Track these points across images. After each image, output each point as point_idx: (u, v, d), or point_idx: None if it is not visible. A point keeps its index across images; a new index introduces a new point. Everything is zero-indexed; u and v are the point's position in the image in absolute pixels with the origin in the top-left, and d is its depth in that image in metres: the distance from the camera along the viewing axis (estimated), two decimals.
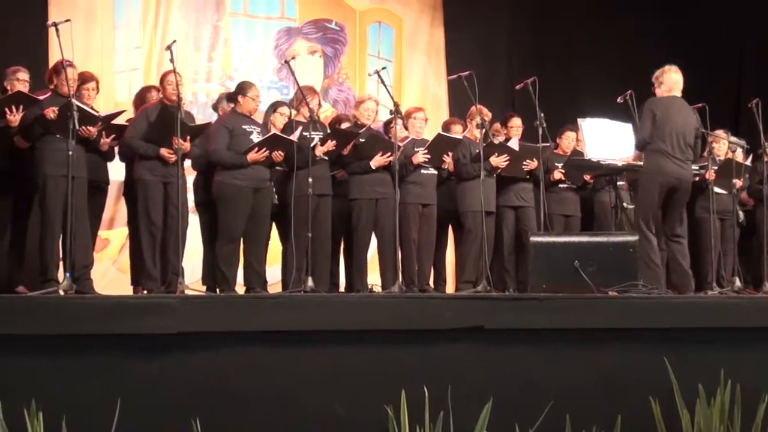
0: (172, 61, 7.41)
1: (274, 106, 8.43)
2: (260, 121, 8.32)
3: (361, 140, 8.48)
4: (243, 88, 8.19)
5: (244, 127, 8.00)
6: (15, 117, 7.06)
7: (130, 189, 8.06)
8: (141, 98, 8.43)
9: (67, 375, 4.53)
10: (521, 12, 12.78)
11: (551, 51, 12.52)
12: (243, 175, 7.87)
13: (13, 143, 7.40)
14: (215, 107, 9.04)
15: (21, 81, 7.59)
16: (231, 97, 8.34)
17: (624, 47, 12.52)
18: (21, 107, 7.07)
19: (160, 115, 7.61)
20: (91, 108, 7.54)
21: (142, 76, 10.73)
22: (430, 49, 12.51)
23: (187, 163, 8.19)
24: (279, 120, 8.25)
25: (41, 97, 7.35)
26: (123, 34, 10.89)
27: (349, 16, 12.14)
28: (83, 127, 7.23)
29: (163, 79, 7.85)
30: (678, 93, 8.06)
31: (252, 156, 7.82)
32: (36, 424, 4.18)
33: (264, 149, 7.84)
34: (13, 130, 7.21)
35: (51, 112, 7.13)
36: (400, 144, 8.43)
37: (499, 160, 8.87)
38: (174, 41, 7.59)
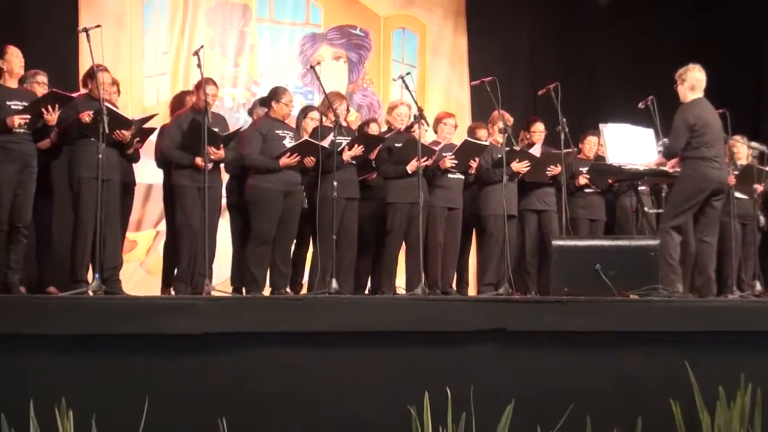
0: (199, 66, 7.44)
1: (305, 111, 8.48)
2: (293, 125, 8.37)
3: (397, 145, 8.50)
4: (276, 93, 8.19)
5: (277, 131, 8.03)
6: (52, 116, 7.11)
7: (168, 194, 8.10)
8: (180, 101, 8.46)
9: (96, 374, 4.55)
10: (542, 19, 12.74)
11: (572, 57, 12.48)
12: (275, 179, 7.91)
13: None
14: (250, 112, 9.10)
15: (40, 84, 7.69)
16: (264, 102, 8.37)
17: (644, 53, 12.47)
18: (57, 106, 7.12)
19: (191, 127, 7.64)
20: None
21: (170, 81, 10.76)
22: (453, 56, 12.49)
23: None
24: (310, 124, 8.30)
25: (74, 95, 7.44)
26: (151, 40, 10.92)
27: (373, 22, 12.14)
28: (117, 131, 7.30)
29: (198, 87, 7.87)
30: (701, 93, 7.96)
31: (284, 161, 7.86)
32: (66, 423, 4.21)
33: (295, 154, 7.87)
34: (50, 129, 7.29)
35: (86, 116, 7.20)
36: (435, 148, 8.46)
37: (520, 166, 8.85)
38: (201, 47, 7.63)
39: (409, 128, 8.64)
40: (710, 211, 7.96)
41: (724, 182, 8.00)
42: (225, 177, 8.47)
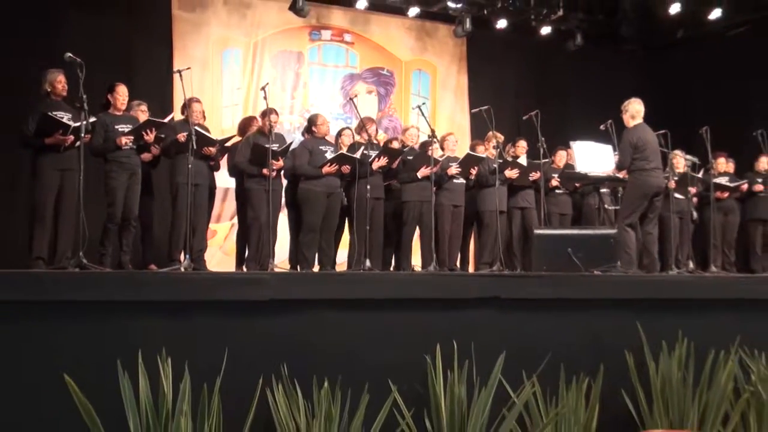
0: (265, 98, 7.48)
1: (340, 132, 8.52)
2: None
3: (409, 157, 8.55)
4: (312, 120, 8.35)
5: (321, 147, 8.12)
6: (150, 137, 7.32)
7: (240, 196, 8.17)
8: (248, 124, 8.54)
9: (187, 330, 4.55)
10: (526, 61, 12.78)
11: (549, 90, 12.50)
12: (320, 183, 7.99)
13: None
14: (303, 133, 9.14)
15: (143, 111, 7.87)
16: (307, 129, 8.44)
17: (605, 87, 12.40)
18: (153, 129, 7.31)
19: (256, 146, 7.72)
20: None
21: (242, 110, 10.87)
22: (457, 90, 12.55)
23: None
24: (346, 140, 8.32)
25: (166, 119, 7.64)
26: (228, 78, 11.02)
27: (397, 65, 12.20)
28: (205, 148, 7.39)
29: (263, 115, 7.92)
30: (641, 119, 8.01)
31: (326, 169, 7.93)
32: (166, 367, 4.22)
33: (334, 164, 7.90)
34: (150, 145, 7.44)
35: (182, 137, 7.32)
36: (439, 159, 8.48)
37: (512, 173, 8.93)
38: (267, 84, 7.66)
39: (426, 145, 8.66)
40: (653, 209, 8.01)
41: (662, 187, 8.05)
42: (284, 182, 8.50)
